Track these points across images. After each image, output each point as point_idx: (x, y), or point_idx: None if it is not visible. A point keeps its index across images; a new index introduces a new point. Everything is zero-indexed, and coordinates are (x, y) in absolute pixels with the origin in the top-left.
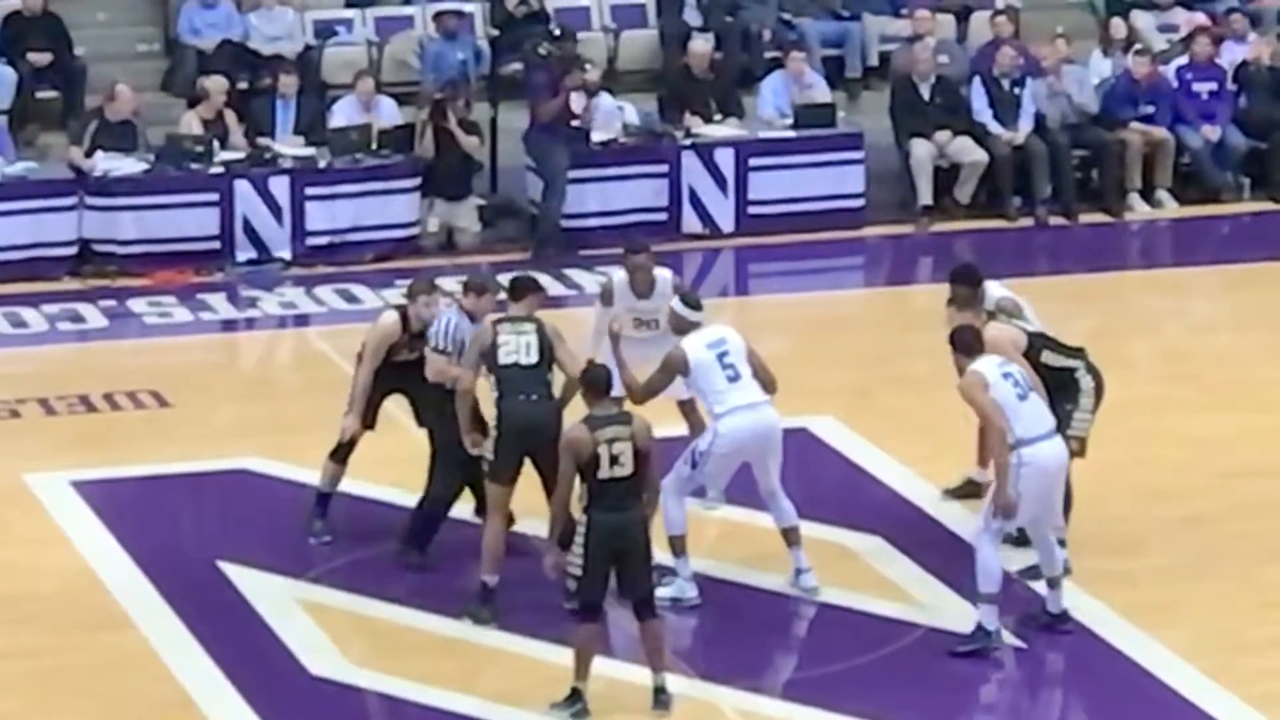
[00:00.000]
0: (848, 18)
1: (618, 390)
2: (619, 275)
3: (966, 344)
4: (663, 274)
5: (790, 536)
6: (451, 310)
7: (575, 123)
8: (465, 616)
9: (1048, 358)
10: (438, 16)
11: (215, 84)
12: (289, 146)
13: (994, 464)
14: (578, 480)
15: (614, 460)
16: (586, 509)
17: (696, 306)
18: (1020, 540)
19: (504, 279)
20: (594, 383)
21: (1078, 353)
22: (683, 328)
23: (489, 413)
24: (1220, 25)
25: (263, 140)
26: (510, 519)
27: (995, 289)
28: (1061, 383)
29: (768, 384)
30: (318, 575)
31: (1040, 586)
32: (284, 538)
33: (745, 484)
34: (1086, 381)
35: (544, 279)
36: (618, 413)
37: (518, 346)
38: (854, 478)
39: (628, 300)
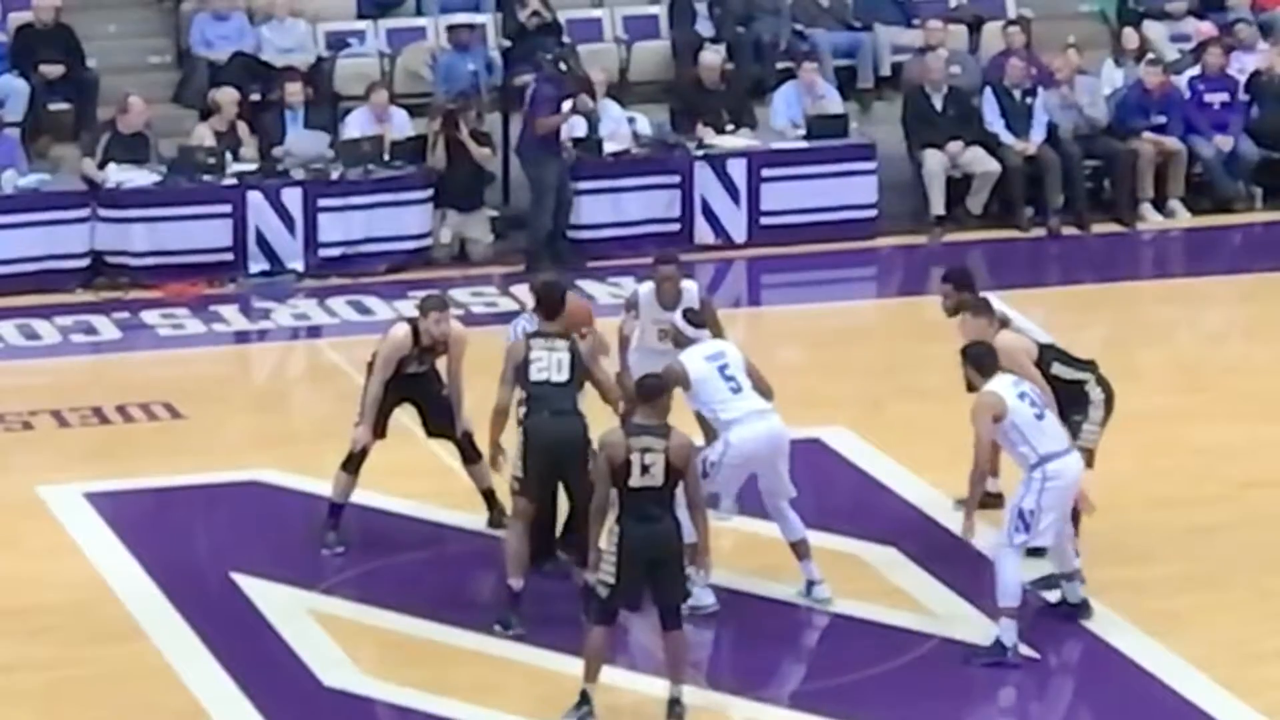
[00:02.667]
0: (860, 28)
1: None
2: (645, 286)
3: (981, 360)
4: (689, 286)
5: (799, 550)
6: (523, 317)
7: (569, 139)
8: (495, 624)
9: (1058, 370)
10: (451, 29)
11: (226, 95)
12: (305, 147)
13: (969, 491)
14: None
15: (645, 470)
16: (618, 519)
17: (699, 324)
18: (1033, 551)
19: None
20: (644, 391)
21: (1088, 365)
22: (681, 343)
23: (515, 431)
24: (1230, 35)
25: (277, 150)
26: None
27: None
28: (1071, 395)
29: (766, 396)
30: (330, 586)
31: (1053, 595)
32: (296, 549)
33: (758, 495)
34: (1096, 394)
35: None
36: (658, 424)
37: (550, 363)
38: (867, 488)
39: (653, 311)
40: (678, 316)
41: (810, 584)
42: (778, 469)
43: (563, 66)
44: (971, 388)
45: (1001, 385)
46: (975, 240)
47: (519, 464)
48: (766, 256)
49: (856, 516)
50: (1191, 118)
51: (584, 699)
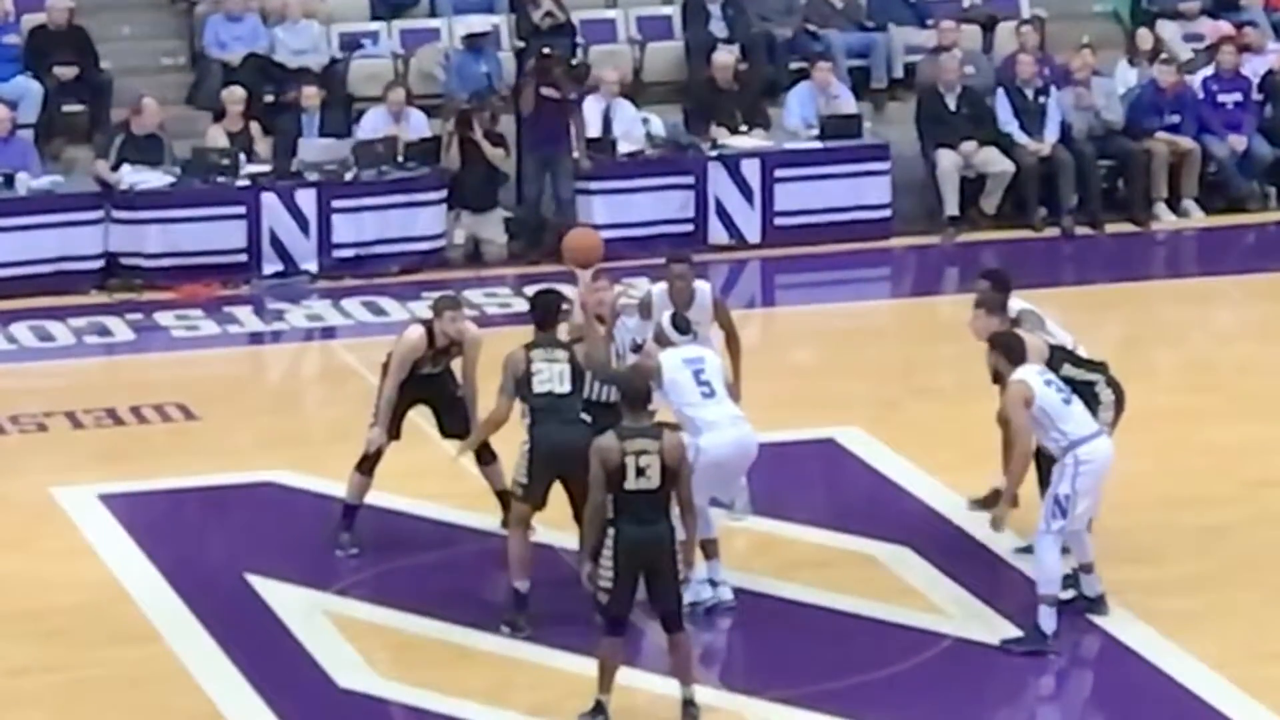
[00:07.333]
0: (873, 29)
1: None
2: (658, 287)
3: (1010, 349)
4: (702, 286)
5: (707, 549)
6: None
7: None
8: (503, 625)
9: (1068, 371)
10: (467, 38)
11: (231, 95)
12: (318, 154)
13: (1008, 481)
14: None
15: (640, 472)
16: (613, 521)
17: (684, 330)
18: None
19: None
20: (632, 394)
21: (1099, 367)
22: (664, 344)
23: (520, 437)
24: (1245, 35)
25: (295, 164)
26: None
27: (1016, 302)
28: (1082, 397)
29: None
30: (345, 587)
31: (1067, 593)
32: (311, 550)
33: (772, 495)
34: (1107, 395)
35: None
36: (650, 426)
37: (551, 375)
38: (881, 488)
39: (667, 312)
40: (665, 320)
41: (712, 583)
42: (736, 479)
43: (546, 50)
44: (997, 378)
45: (1028, 373)
46: (989, 240)
47: (524, 470)
48: (780, 257)
49: (870, 516)
50: (1205, 117)
51: (598, 708)
